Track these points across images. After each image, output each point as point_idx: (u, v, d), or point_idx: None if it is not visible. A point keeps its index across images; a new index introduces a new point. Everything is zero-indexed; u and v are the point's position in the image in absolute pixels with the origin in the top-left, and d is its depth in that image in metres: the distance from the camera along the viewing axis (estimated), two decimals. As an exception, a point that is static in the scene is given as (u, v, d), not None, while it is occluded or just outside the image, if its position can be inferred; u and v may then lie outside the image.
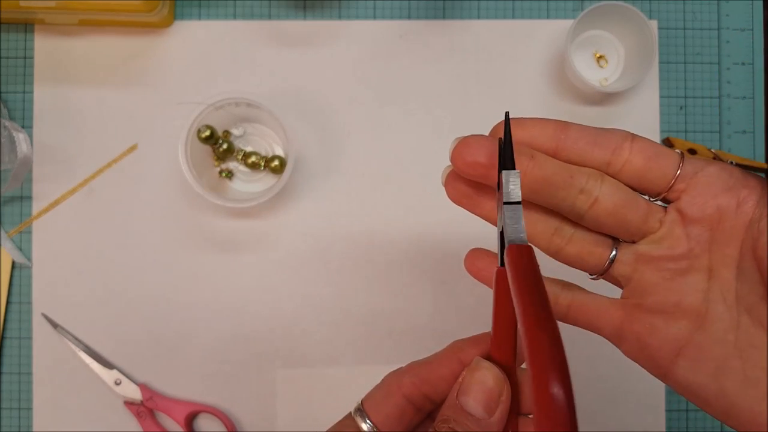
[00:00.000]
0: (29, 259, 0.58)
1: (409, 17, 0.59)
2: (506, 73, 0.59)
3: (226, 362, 0.58)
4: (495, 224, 0.33)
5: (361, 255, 0.58)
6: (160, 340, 0.58)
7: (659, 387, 0.58)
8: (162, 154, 0.58)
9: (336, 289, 0.58)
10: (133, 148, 0.58)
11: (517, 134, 0.31)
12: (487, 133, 0.33)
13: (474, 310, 0.58)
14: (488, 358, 0.33)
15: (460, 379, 0.32)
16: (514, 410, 0.33)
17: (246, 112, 0.56)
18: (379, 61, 0.59)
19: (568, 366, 0.24)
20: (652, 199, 0.32)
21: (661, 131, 0.59)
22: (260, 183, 0.58)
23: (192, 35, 0.59)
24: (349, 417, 0.34)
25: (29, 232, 0.58)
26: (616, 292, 0.35)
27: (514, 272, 0.27)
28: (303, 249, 0.58)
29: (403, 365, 0.36)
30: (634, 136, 0.31)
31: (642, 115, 0.59)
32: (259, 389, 0.58)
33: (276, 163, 0.56)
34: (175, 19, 0.59)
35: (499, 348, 0.32)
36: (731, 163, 0.58)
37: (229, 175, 0.58)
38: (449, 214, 0.59)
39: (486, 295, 0.58)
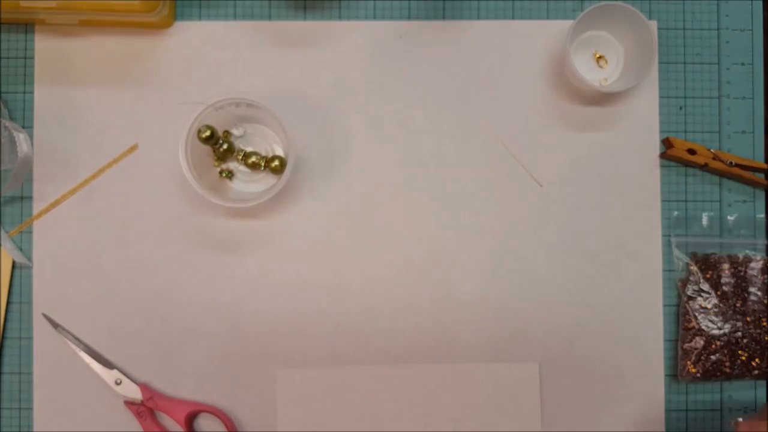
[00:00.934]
0: (30, 259, 0.58)
1: (409, 18, 0.59)
2: (506, 74, 0.59)
3: (227, 362, 0.58)
4: None
5: (361, 255, 0.58)
6: (160, 339, 0.58)
7: (659, 387, 0.58)
8: (162, 155, 0.58)
9: (336, 289, 0.58)
10: (133, 149, 0.58)
11: None
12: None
13: (474, 310, 0.58)
14: None
15: None
16: None
17: (246, 113, 0.56)
18: (379, 61, 0.59)
19: None
20: None
21: (661, 131, 0.59)
22: (260, 183, 0.58)
23: (192, 36, 0.59)
24: None
25: (30, 232, 0.58)
26: None
27: None
28: (303, 249, 0.58)
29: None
30: None
31: (642, 115, 0.59)
32: (260, 389, 0.58)
33: (276, 163, 0.56)
34: (176, 19, 0.59)
35: None
36: (730, 163, 0.58)
37: (230, 175, 0.58)
38: (449, 213, 0.59)
39: (486, 296, 0.59)
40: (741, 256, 0.58)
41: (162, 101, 0.58)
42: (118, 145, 0.58)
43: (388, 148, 0.59)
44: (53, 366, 0.58)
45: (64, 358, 0.57)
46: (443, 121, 0.59)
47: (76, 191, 0.58)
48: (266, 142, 0.58)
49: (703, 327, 0.57)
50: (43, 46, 0.58)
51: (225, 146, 0.55)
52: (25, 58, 0.59)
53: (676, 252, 0.59)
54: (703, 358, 0.57)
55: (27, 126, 0.58)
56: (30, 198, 0.58)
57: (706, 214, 0.59)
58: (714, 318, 0.57)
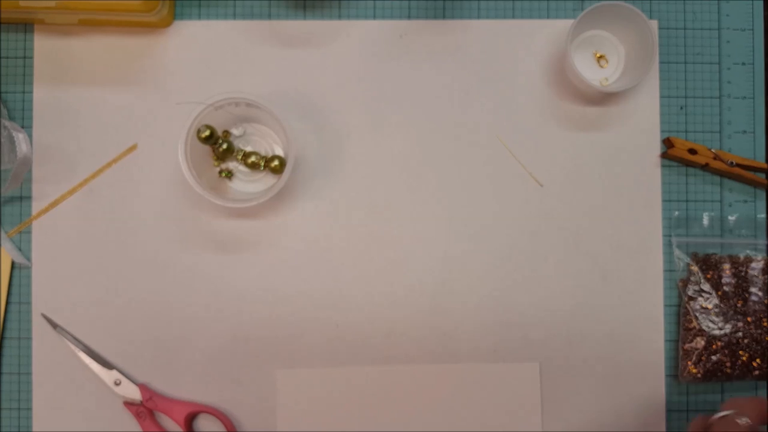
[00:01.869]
0: (29, 259, 0.58)
1: (409, 17, 0.59)
2: (506, 73, 0.59)
3: (226, 362, 0.58)
4: None
5: (361, 255, 0.58)
6: (159, 340, 0.58)
7: (660, 388, 0.58)
8: (162, 154, 0.58)
9: (336, 289, 0.58)
10: (132, 148, 0.58)
11: None
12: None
13: (474, 310, 0.58)
14: None
15: None
16: None
17: (246, 112, 0.56)
18: (379, 60, 0.59)
19: None
20: None
21: (662, 131, 0.59)
22: (260, 183, 0.58)
23: (192, 35, 0.59)
24: None
25: (29, 232, 0.58)
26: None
27: None
28: (302, 249, 0.58)
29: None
30: None
31: (642, 115, 0.59)
32: (259, 389, 0.58)
33: (276, 163, 0.56)
34: (175, 19, 0.59)
35: None
36: (731, 163, 0.58)
37: (229, 175, 0.58)
38: (449, 213, 0.59)
39: (486, 296, 0.59)
40: (742, 256, 0.58)
41: (161, 101, 0.58)
42: (117, 144, 0.58)
43: (387, 147, 0.59)
44: (52, 366, 0.57)
45: (64, 359, 0.57)
46: (443, 121, 0.59)
47: (76, 191, 0.58)
48: (266, 142, 0.58)
49: (704, 327, 0.57)
50: (43, 45, 0.58)
51: (224, 146, 0.55)
52: (24, 57, 0.59)
53: (676, 252, 0.59)
54: (703, 358, 0.57)
55: (26, 126, 0.58)
56: (29, 198, 0.58)
57: (706, 214, 0.59)
58: (715, 318, 0.57)
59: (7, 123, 0.55)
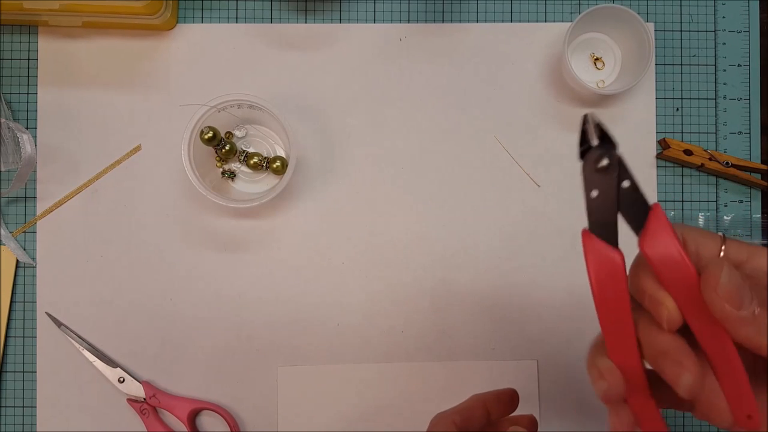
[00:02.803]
0: (33, 258, 0.58)
1: (409, 20, 0.60)
2: (505, 76, 0.60)
3: (229, 360, 0.58)
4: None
5: (361, 255, 0.59)
6: (163, 338, 0.58)
7: (656, 385, 0.59)
8: (165, 155, 0.59)
9: (337, 288, 0.59)
10: (136, 149, 0.59)
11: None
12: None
13: (472, 308, 0.59)
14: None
15: None
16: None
17: (248, 114, 0.56)
18: (380, 63, 0.59)
19: None
20: None
21: (658, 132, 0.60)
22: (262, 183, 0.58)
23: (194, 38, 0.59)
24: None
25: (33, 232, 0.59)
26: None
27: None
28: (304, 249, 0.59)
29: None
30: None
31: (639, 117, 0.60)
32: (261, 387, 0.58)
33: (278, 164, 0.56)
34: (178, 21, 0.59)
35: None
36: (726, 164, 0.59)
37: (232, 175, 0.58)
38: (449, 214, 0.59)
39: (485, 294, 0.59)
40: (737, 255, 0.59)
41: (165, 103, 0.59)
42: (121, 145, 0.59)
43: (388, 149, 0.59)
44: (56, 364, 0.58)
45: (68, 357, 0.58)
46: (443, 123, 0.59)
47: (80, 191, 0.59)
48: (268, 144, 0.59)
49: (700, 326, 0.58)
50: (47, 47, 0.59)
51: (227, 147, 0.56)
52: (29, 59, 0.59)
53: (672, 251, 0.59)
54: (699, 356, 0.57)
55: (30, 127, 0.59)
56: (34, 198, 0.59)
57: (702, 214, 0.60)
58: (710, 317, 0.58)
59: (11, 124, 0.55)
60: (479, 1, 0.60)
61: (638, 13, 0.55)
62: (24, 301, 0.58)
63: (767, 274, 0.32)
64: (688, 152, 0.59)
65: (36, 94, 0.59)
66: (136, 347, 0.58)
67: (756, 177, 0.59)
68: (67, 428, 0.58)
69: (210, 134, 0.54)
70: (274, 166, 0.56)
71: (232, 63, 0.59)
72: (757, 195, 0.60)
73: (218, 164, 0.58)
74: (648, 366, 0.33)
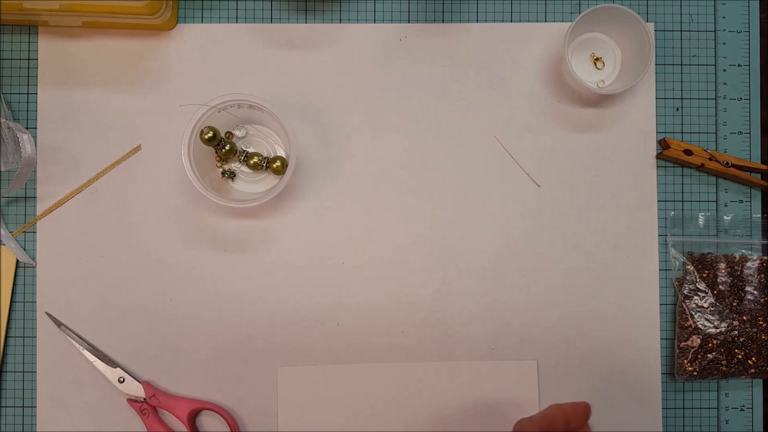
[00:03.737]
0: (33, 258, 0.58)
1: (409, 20, 0.60)
2: (505, 75, 0.60)
3: (229, 360, 0.58)
4: None
5: (361, 255, 0.59)
6: (163, 338, 0.58)
7: (656, 386, 0.59)
8: (165, 155, 0.59)
9: (337, 288, 0.59)
10: (136, 149, 0.59)
11: None
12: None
13: (473, 309, 0.59)
14: None
15: None
16: None
17: (248, 114, 0.56)
18: (380, 63, 0.59)
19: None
20: None
21: (658, 132, 0.60)
22: (262, 183, 0.58)
23: (194, 38, 0.59)
24: None
25: (33, 232, 0.59)
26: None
27: None
28: (304, 248, 0.59)
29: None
30: None
31: (638, 117, 0.60)
32: (261, 387, 0.58)
33: (278, 164, 0.56)
34: (178, 21, 0.59)
35: None
36: (726, 164, 0.59)
37: (232, 175, 0.58)
38: (448, 213, 0.59)
39: (485, 294, 0.59)
40: (737, 255, 0.59)
41: (165, 103, 0.59)
42: (121, 145, 0.59)
43: (388, 149, 0.59)
44: (56, 364, 0.58)
45: (68, 357, 0.58)
46: (443, 123, 0.59)
47: (80, 191, 0.59)
48: (268, 143, 0.59)
49: (700, 326, 0.58)
50: (47, 47, 0.59)
51: (227, 147, 0.56)
52: (29, 59, 0.59)
53: (672, 251, 0.59)
54: (699, 356, 0.57)
55: (30, 127, 0.59)
56: (34, 198, 0.59)
57: (702, 214, 0.60)
58: (710, 317, 0.58)
59: (11, 124, 0.55)
60: (479, 1, 0.60)
61: (638, 13, 0.55)
62: (24, 301, 0.58)
63: None
64: (688, 152, 0.59)
65: (36, 94, 0.59)
66: (136, 347, 0.58)
67: (756, 177, 0.59)
68: (67, 428, 0.58)
69: (210, 134, 0.54)
70: (274, 166, 0.56)
71: (232, 63, 0.59)
72: (757, 195, 0.60)
73: (218, 164, 0.58)
74: None
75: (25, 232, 0.59)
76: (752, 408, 0.59)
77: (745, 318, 0.58)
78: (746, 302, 0.58)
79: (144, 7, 0.54)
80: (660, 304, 0.59)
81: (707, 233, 0.60)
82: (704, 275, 0.58)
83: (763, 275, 0.59)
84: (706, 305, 0.58)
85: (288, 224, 0.59)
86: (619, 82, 0.58)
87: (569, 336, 0.59)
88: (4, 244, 0.58)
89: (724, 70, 0.60)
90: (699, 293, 0.58)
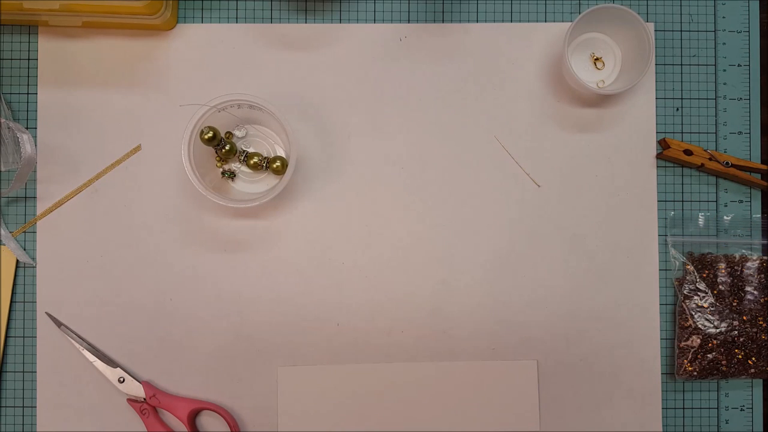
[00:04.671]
0: (33, 258, 0.58)
1: (408, 20, 0.60)
2: (505, 75, 0.60)
3: (229, 360, 0.58)
4: None
5: (361, 254, 0.59)
6: (163, 338, 0.58)
7: (656, 385, 0.59)
8: (165, 155, 0.59)
9: (336, 288, 0.59)
10: (136, 149, 0.59)
11: None
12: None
13: (473, 309, 0.59)
14: None
15: None
16: None
17: (248, 114, 0.56)
18: (380, 63, 0.59)
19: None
20: None
21: (658, 132, 0.60)
22: (262, 183, 0.58)
23: (194, 38, 0.59)
24: None
25: (33, 232, 0.59)
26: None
27: None
28: (304, 248, 0.59)
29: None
30: None
31: (638, 117, 0.60)
32: (261, 387, 0.58)
33: (278, 164, 0.56)
34: (178, 22, 0.59)
35: None
36: (726, 164, 0.59)
37: (232, 175, 0.58)
38: (448, 213, 0.59)
39: (485, 294, 0.59)
40: (737, 255, 0.59)
41: (165, 103, 0.59)
42: (121, 145, 0.59)
43: (388, 149, 0.59)
44: (56, 364, 0.58)
45: (68, 357, 0.58)
46: (443, 123, 0.59)
47: (80, 191, 0.59)
48: (268, 143, 0.59)
49: (700, 326, 0.58)
50: (47, 47, 0.59)
51: (227, 147, 0.56)
52: (29, 59, 0.59)
53: (672, 251, 0.59)
54: (699, 356, 0.57)
55: (30, 127, 0.59)
56: (34, 198, 0.59)
57: (702, 214, 0.60)
58: (710, 317, 0.58)
59: (11, 124, 0.55)
60: (479, 1, 0.60)
61: (638, 13, 0.55)
62: (24, 301, 0.58)
63: None
64: (688, 152, 0.59)
65: (36, 94, 0.59)
66: (136, 347, 0.58)
67: (756, 177, 0.59)
68: (67, 428, 0.58)
69: (210, 134, 0.54)
70: (274, 166, 0.56)
71: (232, 63, 0.59)
72: (757, 195, 0.60)
73: (218, 164, 0.58)
74: None
75: (25, 232, 0.59)
76: (752, 408, 0.59)
77: (745, 318, 0.58)
78: (746, 302, 0.58)
79: (144, 7, 0.54)
80: (660, 304, 0.59)
81: (707, 233, 0.60)
82: (704, 275, 0.58)
83: (763, 275, 0.59)
84: (706, 305, 0.58)
85: (288, 224, 0.59)
86: (619, 82, 0.58)
87: (569, 336, 0.59)
88: (4, 244, 0.58)
89: (724, 70, 0.60)
90: (699, 293, 0.58)
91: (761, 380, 0.60)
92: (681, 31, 0.61)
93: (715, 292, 0.58)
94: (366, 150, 0.59)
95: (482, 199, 0.59)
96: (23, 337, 0.58)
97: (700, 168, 0.59)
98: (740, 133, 0.60)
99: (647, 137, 0.60)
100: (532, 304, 0.59)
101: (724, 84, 0.60)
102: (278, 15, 0.60)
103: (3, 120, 0.55)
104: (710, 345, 0.57)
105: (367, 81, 0.59)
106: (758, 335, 0.58)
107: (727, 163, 0.59)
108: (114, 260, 0.58)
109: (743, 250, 0.59)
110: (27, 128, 0.58)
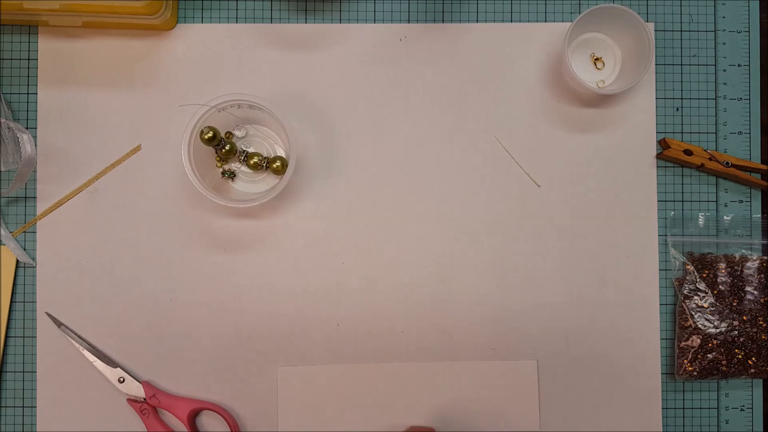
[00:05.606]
0: (33, 258, 0.58)
1: (409, 20, 0.60)
2: (505, 75, 0.60)
3: (229, 360, 0.58)
4: None
5: (361, 255, 0.59)
6: (163, 338, 0.58)
7: (656, 385, 0.59)
8: (165, 155, 0.59)
9: (336, 288, 0.59)
10: (136, 149, 0.59)
11: None
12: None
13: (473, 309, 0.59)
14: None
15: None
16: None
17: (248, 114, 0.56)
18: (380, 63, 0.59)
19: None
20: None
21: (658, 132, 0.60)
22: (262, 183, 0.58)
23: (195, 38, 0.59)
24: None
25: (33, 232, 0.59)
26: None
27: None
28: (304, 248, 0.59)
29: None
30: None
31: (638, 117, 0.60)
32: (261, 387, 0.58)
33: (278, 164, 0.56)
34: (178, 21, 0.59)
35: None
36: (726, 164, 0.59)
37: (232, 175, 0.58)
38: (448, 213, 0.59)
39: (485, 294, 0.59)
40: (737, 255, 0.59)
41: (165, 103, 0.59)
42: (121, 146, 0.59)
43: (388, 149, 0.59)
44: (56, 364, 0.58)
45: (68, 357, 0.58)
46: (443, 123, 0.59)
47: (80, 191, 0.59)
48: (268, 143, 0.59)
49: (700, 326, 0.58)
50: (47, 47, 0.59)
51: (227, 147, 0.56)
52: (29, 59, 0.59)
53: (672, 251, 0.59)
54: (699, 356, 0.57)
55: (30, 127, 0.59)
56: (34, 198, 0.59)
57: (702, 214, 0.60)
58: (710, 317, 0.58)
59: (11, 124, 0.55)
60: (479, 1, 0.60)
61: (638, 13, 0.55)
62: (24, 301, 0.58)
63: None
64: (688, 152, 0.59)
65: (36, 94, 0.59)
66: (136, 347, 0.58)
67: (756, 177, 0.59)
68: (67, 428, 0.58)
69: (210, 134, 0.54)
70: (274, 166, 0.56)
71: (232, 63, 0.59)
72: (757, 195, 0.60)
73: (218, 164, 0.58)
74: None
75: (25, 232, 0.59)
76: (752, 408, 0.60)
77: (745, 318, 0.58)
78: (746, 302, 0.58)
79: (144, 7, 0.54)
80: (660, 304, 0.59)
81: (707, 233, 0.60)
82: (704, 275, 0.58)
83: (763, 275, 0.59)
84: (706, 305, 0.58)
85: (288, 224, 0.59)
86: (619, 82, 0.58)
87: (569, 336, 0.59)
88: (4, 244, 0.58)
89: (724, 70, 0.60)
90: (699, 293, 0.58)
91: (761, 380, 0.60)
92: (681, 31, 0.61)
93: (715, 292, 0.58)
94: (366, 150, 0.59)
95: (482, 199, 0.59)
96: (23, 337, 0.58)
97: (700, 168, 0.59)
98: (740, 133, 0.60)
99: (647, 137, 0.60)
100: (532, 303, 0.59)
101: (724, 84, 0.60)
102: (278, 15, 0.60)
103: (3, 120, 0.55)
104: (710, 345, 0.57)
105: (368, 81, 0.59)
106: (758, 335, 0.58)
107: (727, 163, 0.59)
108: (114, 260, 0.58)
109: (743, 250, 0.59)
110: (27, 128, 0.58)
